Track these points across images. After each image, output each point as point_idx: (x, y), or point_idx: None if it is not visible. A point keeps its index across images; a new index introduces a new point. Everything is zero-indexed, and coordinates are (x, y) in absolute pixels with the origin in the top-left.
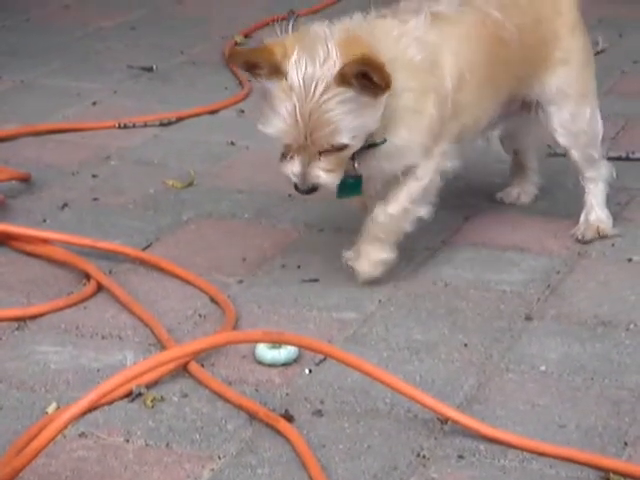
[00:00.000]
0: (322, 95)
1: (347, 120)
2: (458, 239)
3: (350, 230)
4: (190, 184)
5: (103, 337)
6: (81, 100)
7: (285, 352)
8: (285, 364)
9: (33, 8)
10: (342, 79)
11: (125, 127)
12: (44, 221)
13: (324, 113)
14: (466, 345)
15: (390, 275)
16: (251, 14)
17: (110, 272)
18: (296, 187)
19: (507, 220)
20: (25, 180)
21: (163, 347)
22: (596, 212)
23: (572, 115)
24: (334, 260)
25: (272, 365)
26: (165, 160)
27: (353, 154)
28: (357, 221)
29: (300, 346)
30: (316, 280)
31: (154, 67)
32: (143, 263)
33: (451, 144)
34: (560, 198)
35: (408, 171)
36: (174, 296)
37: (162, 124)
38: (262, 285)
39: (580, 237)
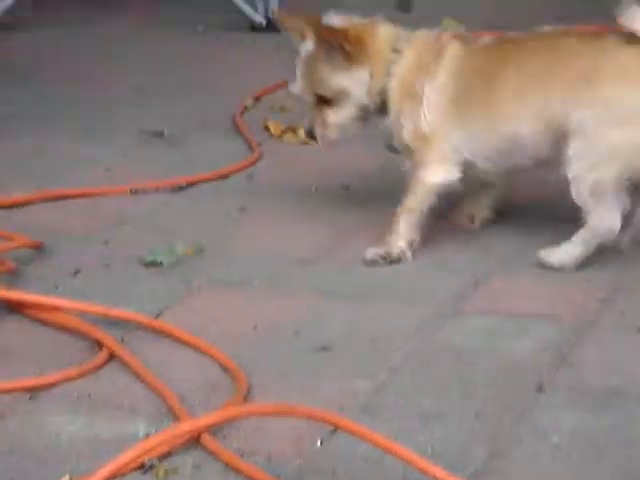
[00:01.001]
0: (309, 54)
1: (324, 75)
2: (468, 306)
3: (360, 297)
4: (201, 250)
5: (116, 407)
6: (93, 165)
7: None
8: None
9: (45, 72)
10: (316, 39)
11: (137, 192)
12: (56, 288)
13: (308, 67)
14: (477, 415)
15: (401, 343)
16: (260, 78)
17: (122, 340)
18: (305, 131)
19: (517, 287)
20: (37, 247)
21: (176, 417)
22: None
23: None
24: (346, 327)
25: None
26: (176, 226)
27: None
28: (368, 288)
29: (312, 418)
30: (328, 348)
31: (165, 132)
32: (155, 331)
33: (457, 155)
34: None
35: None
36: (186, 364)
37: (173, 189)
38: (273, 354)
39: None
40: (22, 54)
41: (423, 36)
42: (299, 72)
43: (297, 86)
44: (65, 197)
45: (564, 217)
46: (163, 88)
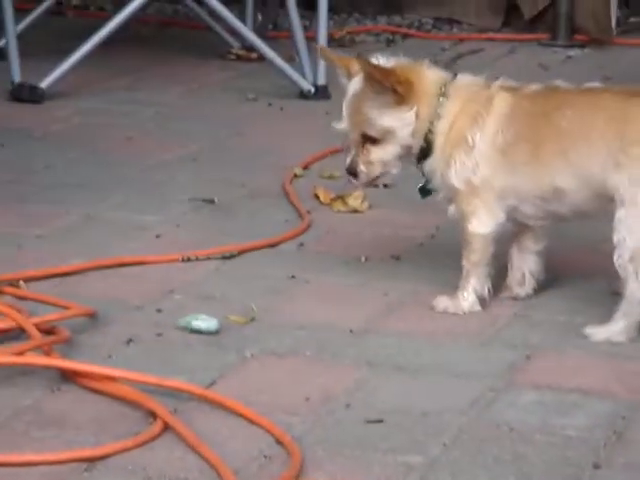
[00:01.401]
0: (357, 94)
1: (372, 114)
2: (521, 380)
3: (411, 369)
4: (252, 319)
5: (170, 479)
6: (145, 233)
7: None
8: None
9: (97, 141)
10: (366, 79)
11: (189, 260)
12: (109, 357)
13: (355, 106)
14: None
15: (454, 417)
16: (309, 146)
17: (175, 410)
18: (346, 169)
19: (570, 361)
20: (91, 316)
21: None
22: None
23: None
24: (398, 400)
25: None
26: (227, 294)
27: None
28: (419, 360)
29: None
30: (380, 421)
31: (215, 200)
32: (207, 401)
33: (500, 200)
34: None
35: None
36: (239, 436)
37: (224, 257)
38: (326, 426)
39: None
40: (74, 122)
41: (469, 82)
42: (345, 110)
43: (343, 124)
44: (117, 265)
45: (607, 289)
46: (213, 155)
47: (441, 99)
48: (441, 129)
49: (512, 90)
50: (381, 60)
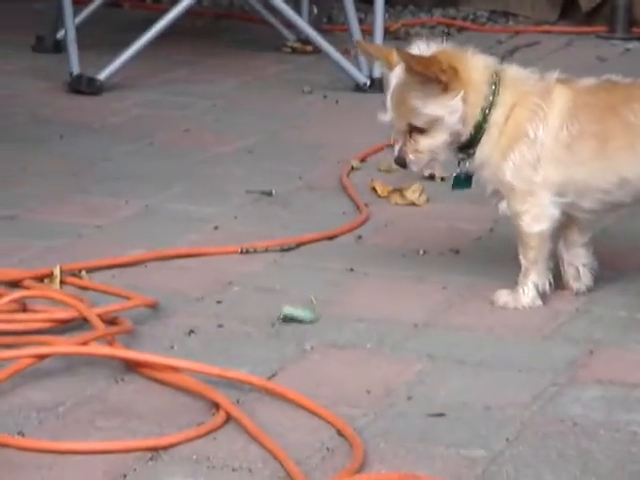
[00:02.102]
0: (400, 84)
1: (417, 104)
2: (584, 375)
3: (473, 363)
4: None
5: (233, 469)
6: (203, 225)
7: (307, 313)
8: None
9: (155, 133)
10: (407, 70)
11: (247, 252)
12: (171, 347)
13: (399, 97)
14: None
15: (517, 412)
16: (366, 139)
17: (237, 401)
18: (395, 160)
19: (633, 356)
20: (152, 306)
21: None
22: None
23: None
24: (459, 393)
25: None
26: (286, 286)
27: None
28: (480, 351)
29: None
30: (442, 414)
31: (273, 192)
32: (269, 393)
33: (557, 196)
34: None
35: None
36: (301, 427)
37: (282, 249)
38: (387, 418)
39: None
40: (132, 114)
41: (521, 72)
42: (389, 102)
43: (388, 116)
44: (176, 257)
45: None
46: (271, 147)
47: (493, 87)
48: (496, 119)
49: (569, 83)
50: (422, 47)
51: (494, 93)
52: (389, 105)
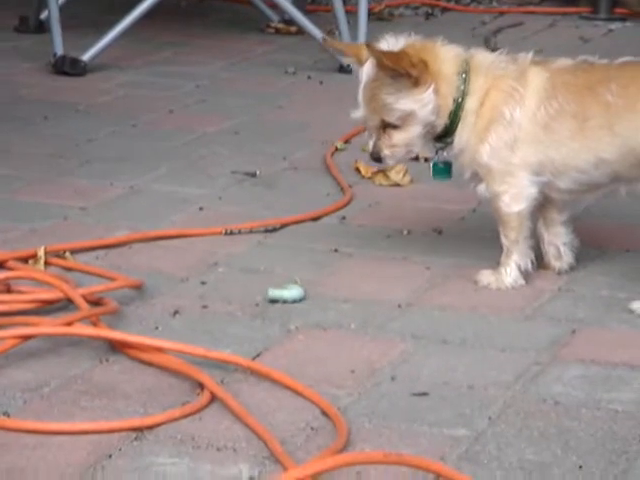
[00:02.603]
0: (371, 80)
1: (389, 99)
2: (566, 354)
3: (456, 343)
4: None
5: (218, 449)
6: (188, 206)
7: (294, 292)
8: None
9: (140, 114)
10: (379, 66)
11: (231, 233)
12: (156, 328)
13: (371, 93)
14: (580, 467)
15: (500, 391)
16: (350, 120)
17: (222, 382)
18: (370, 155)
19: (615, 335)
20: (137, 287)
21: (277, 460)
22: None
23: None
24: (443, 373)
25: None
26: (270, 267)
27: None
28: (463, 331)
29: (421, 469)
30: (426, 394)
31: (257, 172)
32: (254, 373)
33: (534, 176)
34: None
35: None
36: (285, 407)
37: (267, 230)
38: (372, 398)
39: None
40: (117, 95)
41: (491, 57)
42: (361, 97)
43: (360, 112)
44: (161, 238)
45: None
46: (255, 129)
47: (464, 75)
48: (470, 106)
49: (544, 64)
50: (391, 42)
51: (465, 82)
52: (361, 101)
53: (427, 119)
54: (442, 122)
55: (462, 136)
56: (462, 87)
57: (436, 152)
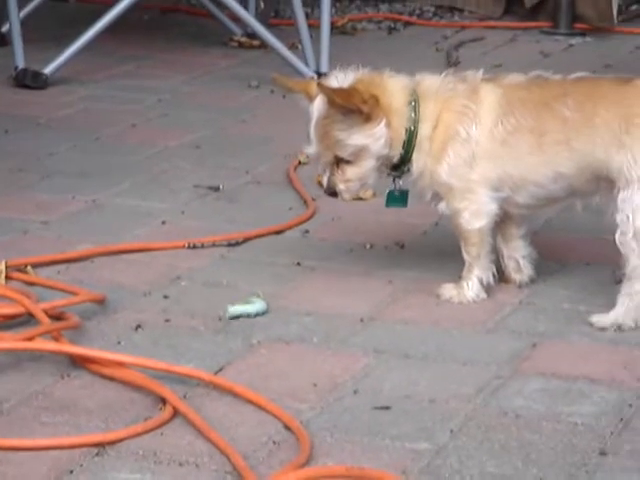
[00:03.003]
0: (322, 117)
1: (340, 135)
2: (527, 367)
3: (418, 356)
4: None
5: (180, 464)
6: (151, 220)
7: (257, 305)
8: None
9: (101, 128)
10: (330, 104)
11: (194, 247)
12: (118, 343)
13: (322, 129)
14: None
15: (461, 404)
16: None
17: (184, 396)
18: (325, 191)
19: (575, 349)
20: (99, 301)
21: (240, 475)
22: None
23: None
24: (405, 387)
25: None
26: (233, 281)
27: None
28: (425, 345)
29: None
30: (388, 408)
31: (220, 187)
32: (216, 387)
33: (493, 192)
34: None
35: (450, 210)
36: (248, 422)
37: (230, 244)
38: (334, 412)
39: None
40: (78, 108)
41: (437, 80)
42: (313, 134)
43: (313, 148)
44: (123, 252)
45: (611, 278)
46: (218, 142)
47: (413, 104)
48: (424, 132)
49: (496, 81)
50: (340, 77)
51: (416, 110)
52: (313, 138)
53: (380, 153)
54: (397, 152)
55: (419, 162)
56: (413, 115)
57: (393, 180)
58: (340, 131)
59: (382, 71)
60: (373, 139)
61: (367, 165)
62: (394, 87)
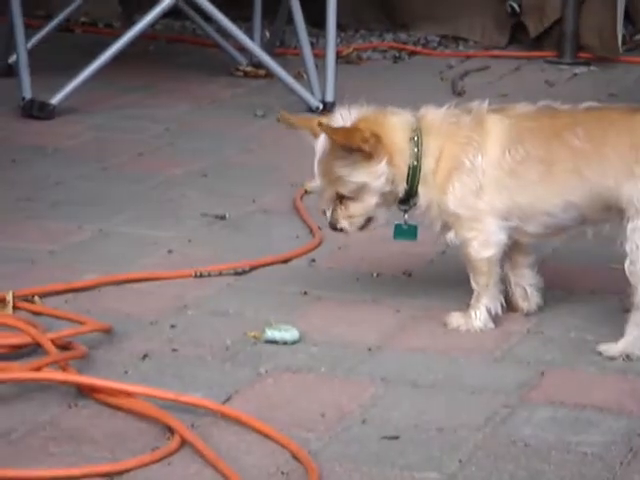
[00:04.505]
0: (326, 153)
1: (342, 172)
2: (535, 396)
3: (426, 385)
4: (269, 340)
5: None
6: (157, 249)
7: (293, 333)
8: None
9: (108, 157)
10: (332, 142)
11: (201, 276)
12: (125, 372)
13: (325, 166)
14: None
15: (470, 433)
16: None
17: (192, 426)
18: (329, 226)
19: (583, 377)
20: (106, 331)
21: None
22: None
23: None
24: (413, 416)
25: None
26: (240, 310)
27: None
28: (433, 373)
29: None
30: (396, 437)
31: (227, 215)
32: (224, 417)
33: (502, 221)
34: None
35: (458, 239)
36: (256, 451)
37: (236, 273)
38: (342, 442)
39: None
40: (85, 138)
41: (440, 113)
42: (317, 169)
43: (316, 184)
44: (130, 281)
45: (619, 307)
46: (224, 171)
47: (416, 139)
48: (428, 167)
49: (503, 111)
50: (344, 114)
51: (419, 145)
52: (316, 173)
53: (381, 190)
54: (401, 188)
55: (425, 195)
56: (416, 151)
57: (404, 213)
58: (342, 167)
59: (386, 107)
60: (374, 177)
61: (369, 201)
62: (396, 124)
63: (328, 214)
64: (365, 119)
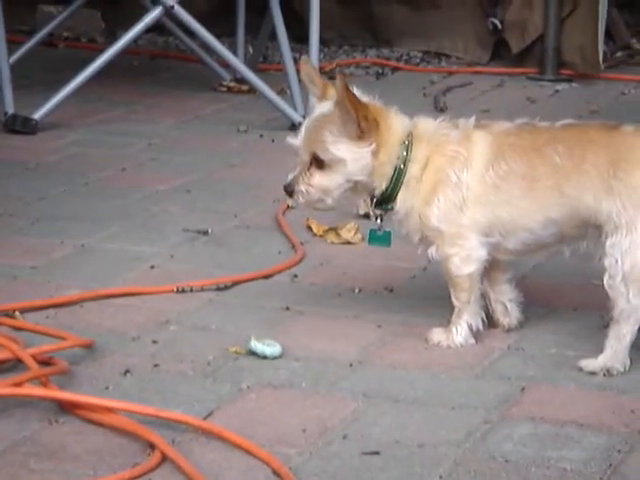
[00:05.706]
0: (322, 115)
1: (328, 137)
2: (516, 412)
3: (407, 401)
4: (248, 350)
5: None
6: (139, 264)
7: (275, 349)
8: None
9: (91, 172)
10: (338, 103)
11: (183, 291)
12: (107, 388)
13: (315, 125)
14: None
15: (450, 449)
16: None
17: (173, 442)
18: (284, 186)
19: (564, 394)
20: (88, 346)
21: None
22: None
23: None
24: (394, 432)
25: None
26: (222, 325)
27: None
28: (414, 389)
29: None
30: (377, 453)
31: (209, 231)
32: (205, 433)
33: (484, 237)
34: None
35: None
36: (237, 467)
37: (218, 288)
38: (323, 457)
39: None
40: (68, 153)
41: (433, 125)
42: (305, 128)
43: (298, 140)
44: (112, 296)
45: (599, 323)
46: (206, 187)
47: (406, 143)
48: (412, 173)
49: (487, 127)
50: (356, 92)
51: (408, 149)
52: (302, 130)
53: (353, 175)
54: (378, 185)
55: (406, 202)
56: (405, 154)
57: (376, 219)
58: (330, 133)
59: (391, 107)
60: (354, 157)
61: (336, 180)
62: (395, 124)
63: (291, 175)
64: (374, 104)
